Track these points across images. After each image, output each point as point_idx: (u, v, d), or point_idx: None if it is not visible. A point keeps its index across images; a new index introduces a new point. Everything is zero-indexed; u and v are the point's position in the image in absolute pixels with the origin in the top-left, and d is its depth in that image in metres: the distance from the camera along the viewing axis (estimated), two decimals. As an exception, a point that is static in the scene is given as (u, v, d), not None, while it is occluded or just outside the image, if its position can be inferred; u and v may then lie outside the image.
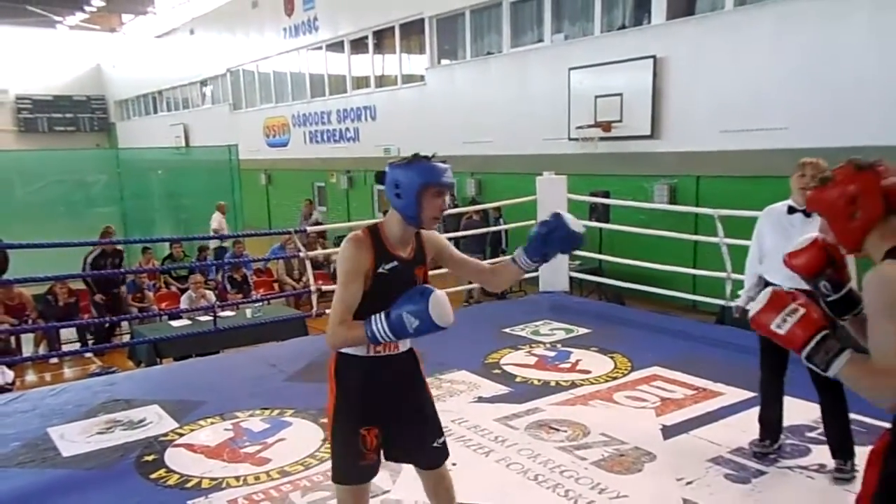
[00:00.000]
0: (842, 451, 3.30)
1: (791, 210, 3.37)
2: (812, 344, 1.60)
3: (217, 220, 12.23)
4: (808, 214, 3.25)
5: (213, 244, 11.04)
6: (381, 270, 2.18)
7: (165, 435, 4.04)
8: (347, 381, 2.26)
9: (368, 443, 2.24)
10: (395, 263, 2.21)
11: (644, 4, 9.47)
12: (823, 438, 3.61)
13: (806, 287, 1.95)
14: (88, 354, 8.18)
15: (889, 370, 1.50)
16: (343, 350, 2.24)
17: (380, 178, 2.27)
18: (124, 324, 8.72)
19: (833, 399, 3.29)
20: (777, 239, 3.36)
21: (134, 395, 4.77)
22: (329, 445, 2.35)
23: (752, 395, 4.37)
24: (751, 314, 1.72)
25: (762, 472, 3.35)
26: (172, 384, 5.12)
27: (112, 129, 30.17)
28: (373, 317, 2.08)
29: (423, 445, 2.37)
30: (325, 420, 3.89)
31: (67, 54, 28.50)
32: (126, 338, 8.49)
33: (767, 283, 3.42)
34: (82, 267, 8.36)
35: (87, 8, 25.91)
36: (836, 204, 1.69)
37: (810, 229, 3.14)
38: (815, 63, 7.52)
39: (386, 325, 2.06)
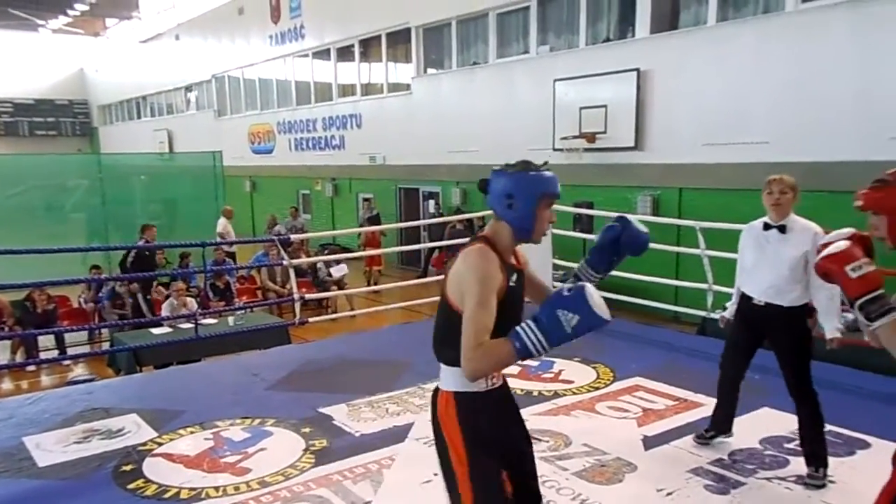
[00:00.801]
0: (815, 458, 3.36)
1: (767, 227, 3.40)
2: (871, 295, 1.76)
3: (223, 225, 12.09)
4: (782, 230, 3.31)
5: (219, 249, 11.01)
6: (511, 284, 1.99)
7: (144, 444, 3.99)
8: (477, 423, 2.01)
9: (507, 486, 2.05)
10: (517, 275, 2.05)
11: (628, 18, 9.57)
12: (801, 450, 3.65)
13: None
14: (67, 362, 8.06)
15: None
16: (459, 389, 2.01)
17: (483, 186, 2.08)
18: (104, 331, 8.62)
19: (811, 410, 3.35)
20: (755, 254, 3.44)
21: (112, 403, 4.71)
22: (465, 495, 2.02)
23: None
24: (824, 254, 1.87)
25: (741, 483, 3.38)
26: (152, 393, 5.07)
27: (94, 134, 29.89)
28: (518, 328, 1.80)
29: (536, 479, 2.23)
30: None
31: (50, 58, 28.24)
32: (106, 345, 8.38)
33: (746, 297, 3.47)
34: (123, 269, 8.65)
35: (70, 12, 25.73)
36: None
37: (785, 245, 3.20)
38: (796, 78, 7.63)
39: (538, 331, 1.78)
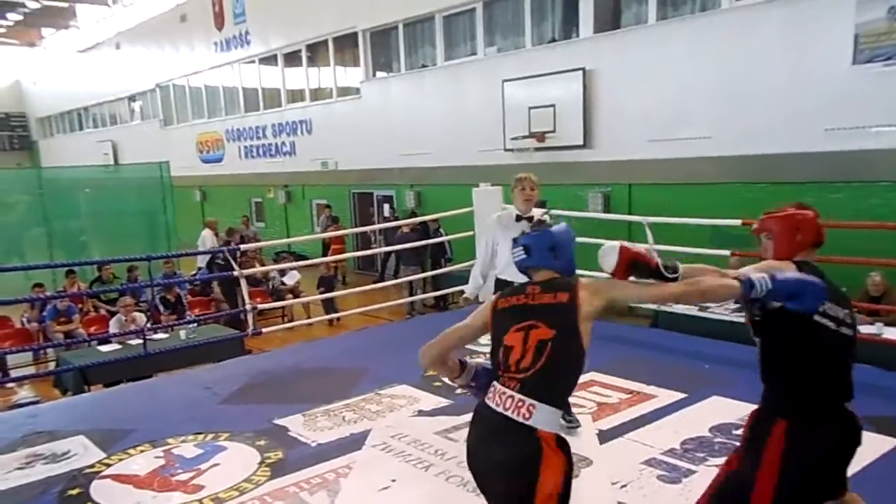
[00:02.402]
0: None
1: (518, 218, 3.94)
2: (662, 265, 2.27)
3: (210, 239, 11.83)
4: (531, 221, 3.78)
5: (201, 261, 10.82)
6: None
7: (91, 466, 3.86)
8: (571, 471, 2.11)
9: None
10: None
11: (572, 18, 9.71)
12: (750, 435, 3.75)
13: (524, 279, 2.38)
14: (11, 385, 7.75)
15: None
16: (558, 431, 2.10)
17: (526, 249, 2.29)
18: (50, 351, 8.32)
19: None
20: (510, 237, 3.75)
21: (58, 425, 4.54)
22: None
23: (682, 396, 4.52)
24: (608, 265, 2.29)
25: (692, 472, 3.45)
26: (100, 412, 4.91)
27: (34, 148, 28.89)
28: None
29: None
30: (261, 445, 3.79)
31: (-17, 70, 27.23)
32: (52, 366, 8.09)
33: (502, 282, 3.86)
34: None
35: (3, 22, 24.80)
36: (784, 226, 2.34)
37: None
38: (734, 74, 7.86)
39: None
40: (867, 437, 3.70)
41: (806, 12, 7.26)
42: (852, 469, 3.37)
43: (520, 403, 2.05)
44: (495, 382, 2.15)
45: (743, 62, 7.80)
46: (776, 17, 7.53)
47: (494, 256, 4.09)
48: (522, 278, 3.01)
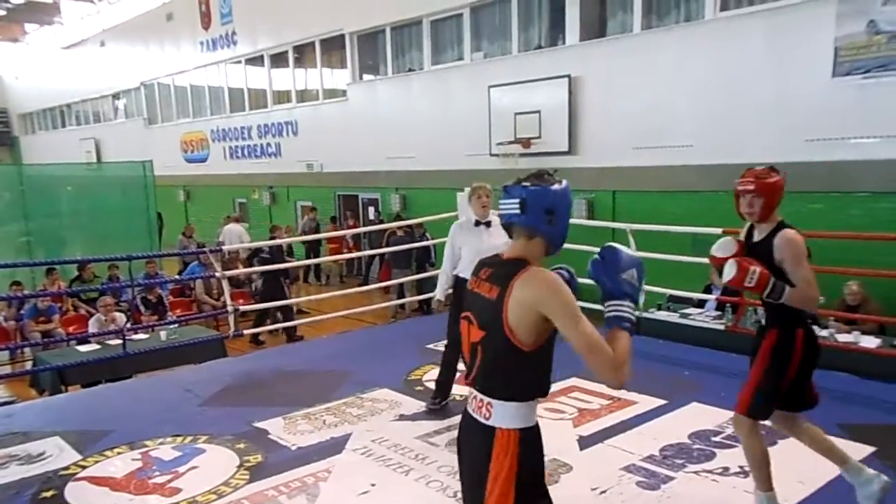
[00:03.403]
0: None
1: (477, 223, 4.46)
2: (768, 289, 2.83)
3: (239, 234, 11.74)
4: (488, 225, 4.41)
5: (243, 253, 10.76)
6: None
7: (66, 468, 3.81)
8: (535, 459, 1.94)
9: None
10: None
11: (559, 25, 9.77)
12: (727, 443, 3.80)
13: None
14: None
15: (811, 287, 2.87)
16: (522, 425, 1.91)
17: (522, 203, 1.95)
18: (27, 351, 8.20)
19: None
20: (471, 244, 4.38)
21: (33, 426, 4.48)
22: None
23: (663, 402, 4.55)
24: (726, 279, 2.90)
25: (671, 478, 3.48)
26: (77, 413, 4.85)
27: (15, 144, 28.49)
28: (614, 312, 1.89)
29: None
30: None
31: (-35, 65, 26.84)
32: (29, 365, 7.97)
33: (461, 279, 4.26)
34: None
35: (-14, 16, 24.49)
36: (774, 188, 2.90)
37: (493, 235, 4.23)
38: (717, 84, 7.95)
39: (628, 301, 1.89)
40: (844, 444, 3.77)
41: (787, 25, 7.36)
42: (829, 475, 3.43)
43: (480, 403, 1.97)
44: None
45: (726, 72, 7.88)
46: (758, 29, 7.62)
47: (458, 259, 4.50)
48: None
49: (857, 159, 6.93)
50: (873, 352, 5.33)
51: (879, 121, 6.75)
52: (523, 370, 1.92)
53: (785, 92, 7.37)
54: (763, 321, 3.09)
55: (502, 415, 1.91)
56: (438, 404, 4.57)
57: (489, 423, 1.92)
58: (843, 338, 5.66)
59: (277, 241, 9.20)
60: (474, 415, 1.97)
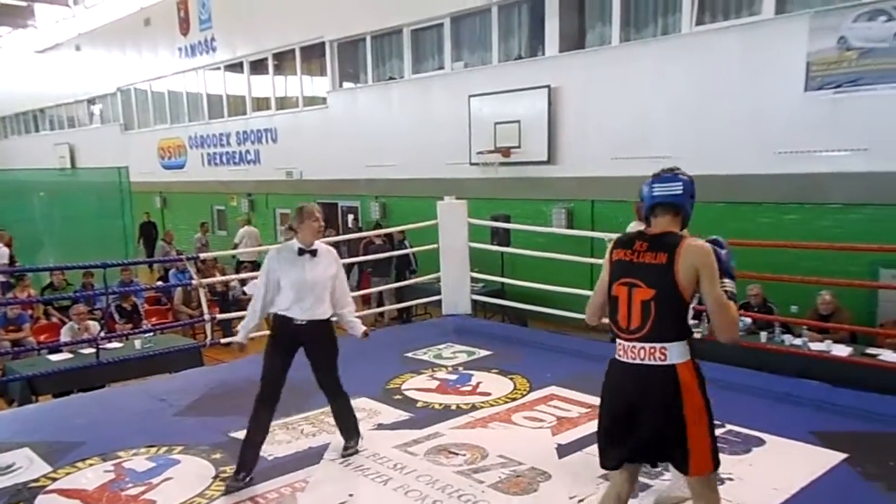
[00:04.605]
0: (350, 432, 4.00)
1: (301, 251, 3.75)
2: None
3: (255, 236, 11.83)
4: (313, 254, 3.76)
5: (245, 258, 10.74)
6: None
7: (36, 480, 3.73)
8: (703, 378, 2.46)
9: None
10: None
11: (538, 36, 9.87)
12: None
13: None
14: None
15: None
16: (689, 357, 2.44)
17: (684, 187, 2.55)
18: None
19: (341, 403, 3.99)
20: (294, 276, 3.71)
21: (1, 437, 4.38)
22: (705, 436, 2.42)
23: (641, 410, 4.57)
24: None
25: (648, 486, 3.49)
26: (48, 424, 4.75)
27: (-13, 149, 27.97)
28: (722, 285, 2.42)
29: None
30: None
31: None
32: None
33: (284, 318, 3.74)
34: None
35: (-42, 19, 24.08)
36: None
37: (318, 265, 3.74)
38: (693, 96, 8.08)
39: (728, 279, 2.47)
40: (816, 451, 3.83)
41: (761, 40, 7.51)
42: (801, 482, 3.48)
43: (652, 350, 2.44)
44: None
45: (702, 85, 8.02)
46: (733, 44, 7.77)
47: (277, 293, 3.75)
48: (308, 316, 3.62)
49: (828, 171, 7.08)
50: (845, 360, 5.42)
51: (850, 134, 6.91)
52: (685, 315, 2.46)
53: (759, 105, 7.52)
54: None
55: (677, 353, 2.42)
56: (243, 480, 3.57)
57: (667, 363, 2.41)
58: (815, 346, 5.76)
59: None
60: (646, 361, 2.43)
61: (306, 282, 3.70)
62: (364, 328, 4.13)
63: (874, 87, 6.66)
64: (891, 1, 6.59)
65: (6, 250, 11.20)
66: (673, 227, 2.51)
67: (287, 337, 3.78)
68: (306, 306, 3.72)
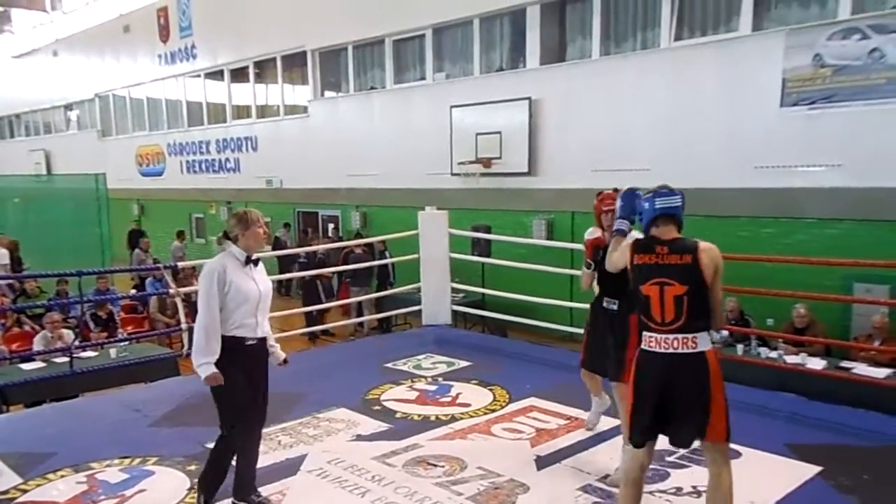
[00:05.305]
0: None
1: (247, 260, 3.30)
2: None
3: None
4: (256, 263, 3.35)
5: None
6: None
7: (6, 492, 3.64)
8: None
9: None
10: None
11: (520, 49, 9.95)
12: (682, 462, 3.85)
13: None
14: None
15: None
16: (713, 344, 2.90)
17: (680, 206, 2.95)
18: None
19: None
20: (242, 288, 3.26)
21: (-30, 449, 4.27)
22: (723, 410, 2.80)
23: (619, 422, 4.59)
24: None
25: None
26: (18, 434, 4.65)
27: (-40, 154, 27.48)
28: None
29: None
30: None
31: None
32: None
33: (238, 339, 3.27)
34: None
35: (-69, 22, 23.67)
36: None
37: (261, 273, 3.38)
38: (673, 110, 8.19)
39: None
40: (791, 464, 3.87)
41: (738, 56, 7.65)
42: (776, 495, 3.50)
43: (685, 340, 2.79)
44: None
45: (681, 99, 8.13)
46: (711, 59, 7.90)
47: (230, 310, 3.24)
48: (260, 334, 3.40)
49: (804, 186, 7.21)
50: (820, 373, 5.50)
51: (825, 150, 7.04)
52: (709, 308, 2.83)
53: (736, 119, 7.64)
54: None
55: (704, 341, 2.80)
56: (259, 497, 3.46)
57: (697, 350, 2.78)
58: (791, 359, 5.83)
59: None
60: (680, 350, 2.78)
61: (260, 294, 3.30)
62: (284, 355, 3.68)
63: (848, 103, 6.81)
64: (865, 20, 6.76)
65: (5, 252, 11.07)
66: (678, 234, 2.90)
67: (243, 361, 3.31)
68: (258, 322, 3.34)
